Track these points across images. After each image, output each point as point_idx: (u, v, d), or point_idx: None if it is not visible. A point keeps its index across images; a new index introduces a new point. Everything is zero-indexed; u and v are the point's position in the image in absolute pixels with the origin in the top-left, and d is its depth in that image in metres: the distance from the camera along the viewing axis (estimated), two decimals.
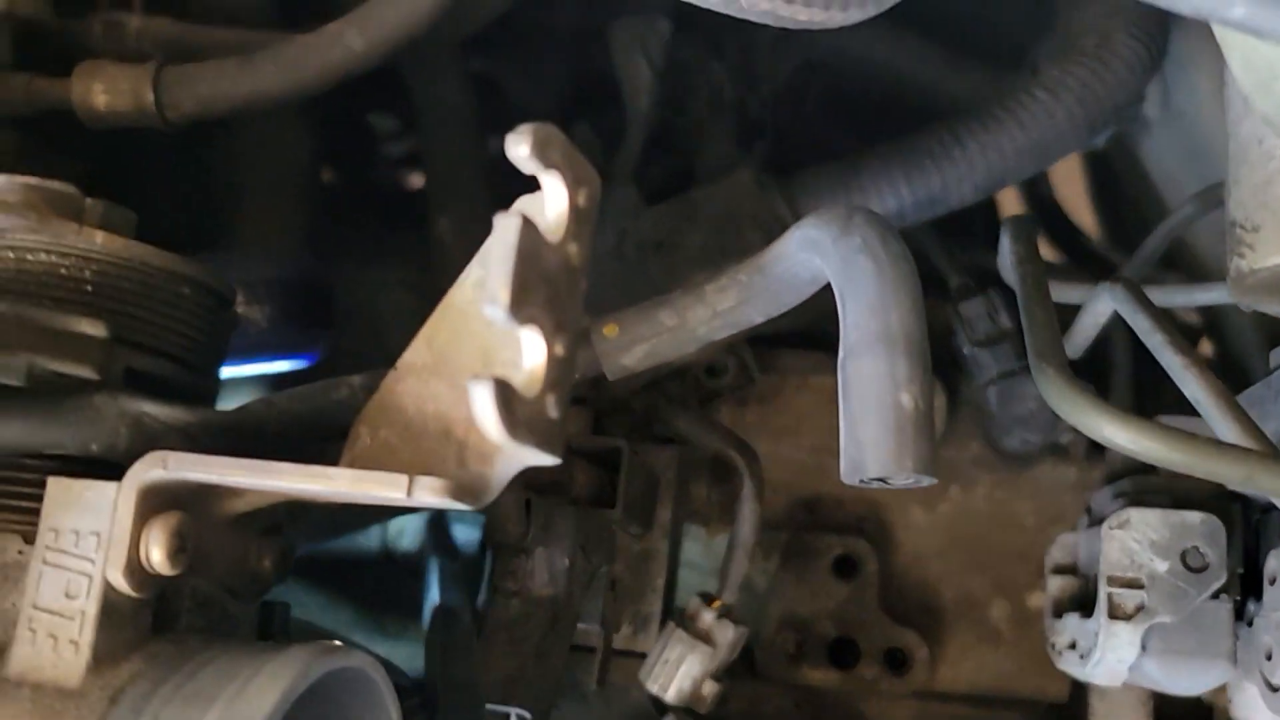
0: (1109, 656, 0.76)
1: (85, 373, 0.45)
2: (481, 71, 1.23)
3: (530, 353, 0.37)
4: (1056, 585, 0.88)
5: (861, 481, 0.51)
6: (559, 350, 0.39)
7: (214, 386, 0.55)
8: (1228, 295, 0.75)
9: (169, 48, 0.83)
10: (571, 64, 1.28)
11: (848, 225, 0.53)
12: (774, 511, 1.12)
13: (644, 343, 0.68)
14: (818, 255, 0.55)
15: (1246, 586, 0.75)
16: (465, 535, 0.96)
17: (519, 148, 0.38)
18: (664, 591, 0.97)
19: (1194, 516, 0.74)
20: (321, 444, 0.49)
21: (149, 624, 0.44)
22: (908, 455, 0.48)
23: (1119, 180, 1.27)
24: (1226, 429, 0.56)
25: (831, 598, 1.08)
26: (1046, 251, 1.42)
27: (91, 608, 0.41)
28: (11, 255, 0.46)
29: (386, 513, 0.75)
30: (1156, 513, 0.75)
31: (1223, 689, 0.84)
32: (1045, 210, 1.47)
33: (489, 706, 0.70)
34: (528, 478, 0.79)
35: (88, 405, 0.43)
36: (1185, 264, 1.05)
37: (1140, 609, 0.74)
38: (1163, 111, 1.05)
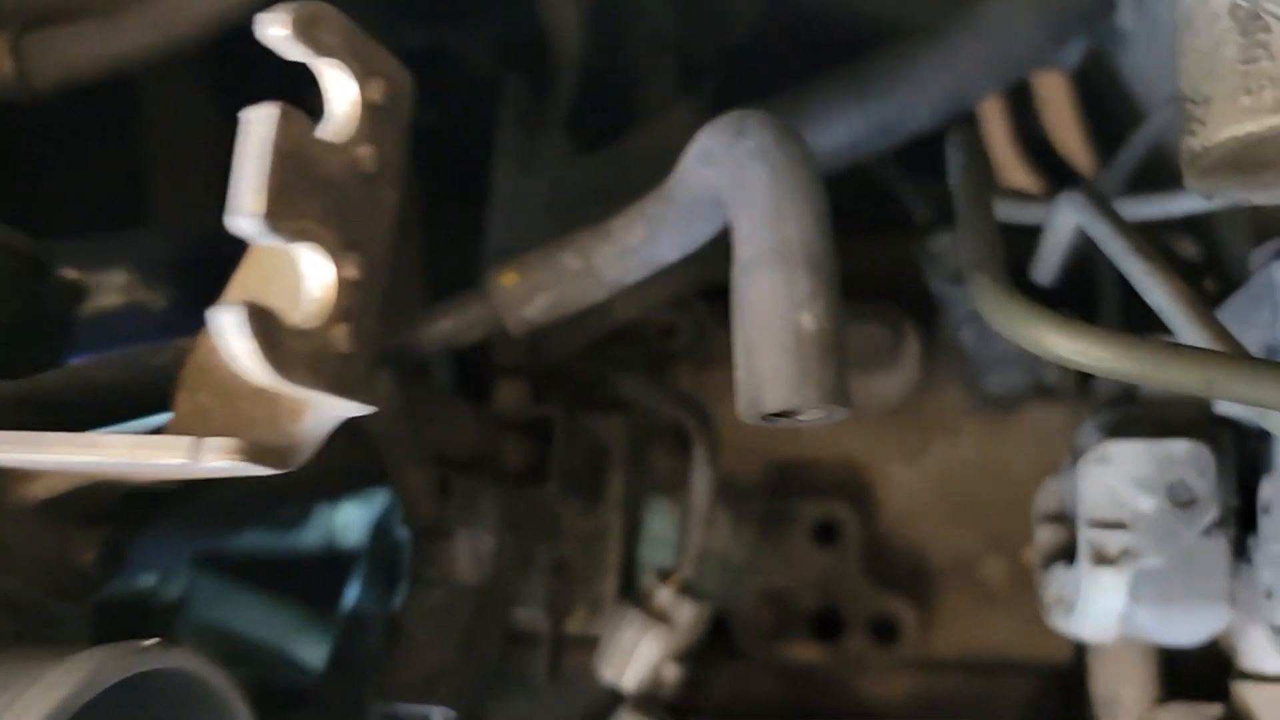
0: (1094, 607, 0.69)
1: None
2: (427, 43, 1.16)
3: (311, 274, 0.32)
4: (1045, 535, 0.82)
5: (764, 419, 0.45)
6: (351, 272, 0.33)
7: (17, 360, 0.50)
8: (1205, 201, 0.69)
9: (28, 14, 0.77)
10: (515, 22, 1.22)
11: (740, 129, 0.47)
12: (746, 478, 1.06)
13: (547, 291, 0.62)
14: (711, 168, 0.49)
15: (1243, 521, 0.68)
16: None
17: (273, 28, 0.32)
18: (620, 571, 0.91)
19: (1179, 445, 0.68)
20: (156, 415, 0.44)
21: None
22: (810, 384, 0.42)
23: (1105, 103, 1.20)
24: (1193, 334, 0.50)
25: (811, 567, 1.02)
26: (1035, 184, 1.36)
27: None
28: None
29: (271, 503, 0.70)
30: (1138, 444, 0.68)
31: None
32: (1033, 142, 1.40)
33: (407, 706, 0.65)
34: (447, 453, 0.74)
35: None
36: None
37: (1125, 552, 0.68)
38: (1139, 22, 0.97)
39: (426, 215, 1.00)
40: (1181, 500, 0.67)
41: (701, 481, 0.82)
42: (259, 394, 0.39)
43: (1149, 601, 0.68)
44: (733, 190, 0.46)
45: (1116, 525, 0.68)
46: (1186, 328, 0.51)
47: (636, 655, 0.81)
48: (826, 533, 1.03)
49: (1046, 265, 0.74)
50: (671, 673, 0.81)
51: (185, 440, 0.34)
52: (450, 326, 0.63)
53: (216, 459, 0.34)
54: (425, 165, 1.15)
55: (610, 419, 0.91)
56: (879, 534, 1.04)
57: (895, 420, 1.05)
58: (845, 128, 0.90)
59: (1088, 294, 1.01)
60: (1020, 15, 0.87)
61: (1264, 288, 0.60)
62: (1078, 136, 1.46)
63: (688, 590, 0.82)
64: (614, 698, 0.82)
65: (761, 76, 1.05)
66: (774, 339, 0.42)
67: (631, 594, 0.84)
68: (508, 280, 0.61)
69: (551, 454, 0.78)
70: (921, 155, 1.01)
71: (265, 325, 0.29)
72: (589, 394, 0.93)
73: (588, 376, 0.90)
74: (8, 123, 0.77)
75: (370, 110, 0.34)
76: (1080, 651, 0.96)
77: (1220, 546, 0.67)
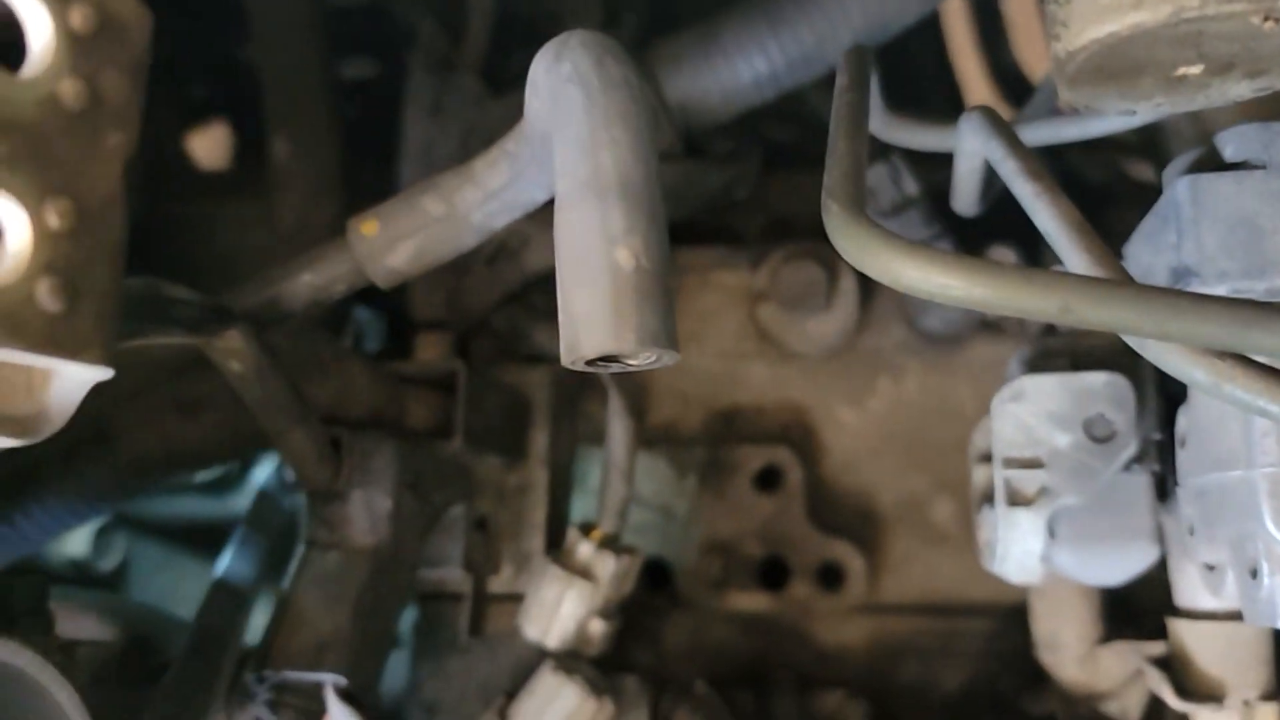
0: (1014, 549, 0.66)
1: None
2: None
3: (7, 226, 0.28)
4: (979, 476, 0.78)
5: (587, 365, 0.41)
6: (54, 222, 0.29)
7: None
8: (1095, 128, 0.64)
9: None
10: None
11: (560, 52, 0.43)
12: (688, 426, 1.03)
13: (410, 238, 0.58)
14: (537, 98, 0.45)
15: (1166, 456, 0.65)
16: None
17: None
18: (549, 526, 0.88)
19: (1097, 378, 0.64)
20: None
21: None
22: (628, 326, 0.38)
23: None
24: (1078, 260, 0.46)
25: (756, 514, 0.99)
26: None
27: None
28: None
29: (161, 472, 0.67)
30: (1053, 378, 0.64)
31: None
32: (1009, 80, 1.35)
33: (296, 674, 0.62)
34: (340, 412, 0.70)
35: None
36: None
37: (1042, 491, 0.64)
38: None
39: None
40: (1099, 435, 0.63)
41: (618, 431, 0.79)
42: (15, 365, 0.35)
43: (1070, 541, 0.65)
44: (551, 118, 0.42)
45: (1033, 464, 0.64)
46: (1072, 252, 0.47)
47: (560, 612, 0.78)
48: (769, 479, 1.00)
49: (961, 193, 0.70)
50: (597, 628, 0.79)
51: None
52: (312, 280, 0.59)
53: None
54: (362, 119, 1.12)
55: (533, 371, 0.88)
56: (824, 479, 1.01)
57: (837, 362, 1.01)
58: (764, 59, 0.86)
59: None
60: None
61: (1169, 207, 0.55)
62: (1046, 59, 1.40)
63: (609, 544, 0.79)
64: (541, 655, 0.79)
65: (684, 14, 1.00)
66: (589, 278, 0.39)
67: (550, 552, 0.80)
68: (369, 229, 0.58)
69: (456, 409, 0.74)
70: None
71: None
72: (512, 346, 0.89)
73: (508, 328, 0.87)
74: None
75: (73, 41, 0.30)
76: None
77: (1142, 483, 0.64)
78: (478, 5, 0.95)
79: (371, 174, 0.96)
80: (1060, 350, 0.67)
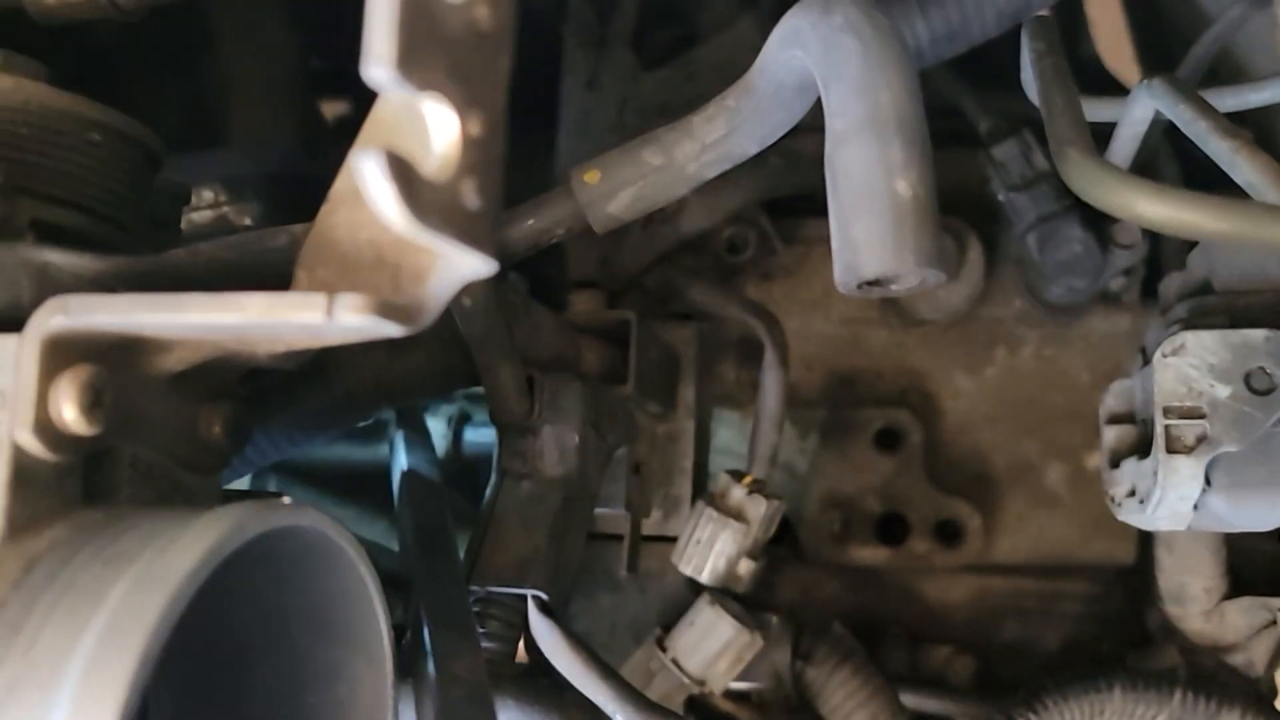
0: (1170, 495, 0.69)
1: None
2: None
3: (437, 127, 0.32)
4: (1113, 435, 0.81)
5: (860, 287, 0.45)
6: (474, 129, 0.33)
7: (140, 246, 0.51)
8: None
9: None
10: None
11: (827, 7, 0.46)
12: (810, 388, 1.06)
13: (630, 187, 0.62)
14: (799, 48, 0.48)
15: None
16: (476, 437, 0.91)
17: None
18: (694, 474, 0.91)
19: (1257, 334, 0.67)
20: None
21: (78, 492, 0.40)
22: (908, 248, 0.41)
23: (1158, 19, 1.16)
24: None
25: (876, 473, 1.02)
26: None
27: (1, 473, 0.37)
28: None
29: (371, 402, 0.71)
30: (1214, 334, 0.67)
31: None
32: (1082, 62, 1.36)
33: (503, 590, 0.66)
34: (531, 355, 0.74)
35: None
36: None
37: (1202, 439, 0.67)
38: None
39: None
40: (1260, 388, 0.66)
41: (772, 383, 0.82)
42: (380, 263, 0.39)
43: (1225, 488, 0.67)
44: (823, 65, 0.46)
45: (1194, 414, 0.67)
46: (1276, 194, 0.49)
47: (714, 550, 0.82)
48: (890, 439, 1.03)
49: (1120, 155, 0.73)
50: (745, 568, 0.82)
51: (321, 297, 0.35)
52: (536, 225, 0.63)
53: (350, 315, 0.35)
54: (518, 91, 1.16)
55: (682, 328, 0.91)
56: (942, 441, 1.04)
57: (957, 331, 1.04)
58: (910, 35, 0.88)
59: None
60: None
61: None
62: (1129, 55, 1.42)
63: (759, 490, 0.83)
64: (691, 592, 0.83)
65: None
66: (870, 206, 0.42)
67: (705, 495, 0.84)
68: (591, 178, 0.61)
69: (628, 357, 0.78)
70: (980, 71, 0.99)
71: (403, 171, 0.30)
72: (660, 305, 0.93)
73: (659, 287, 0.90)
74: (93, 43, 0.77)
75: None
76: (1144, 551, 0.96)
77: None
78: None
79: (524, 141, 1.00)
80: (1218, 308, 0.69)
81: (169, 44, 0.83)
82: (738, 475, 0.84)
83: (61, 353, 0.38)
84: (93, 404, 0.38)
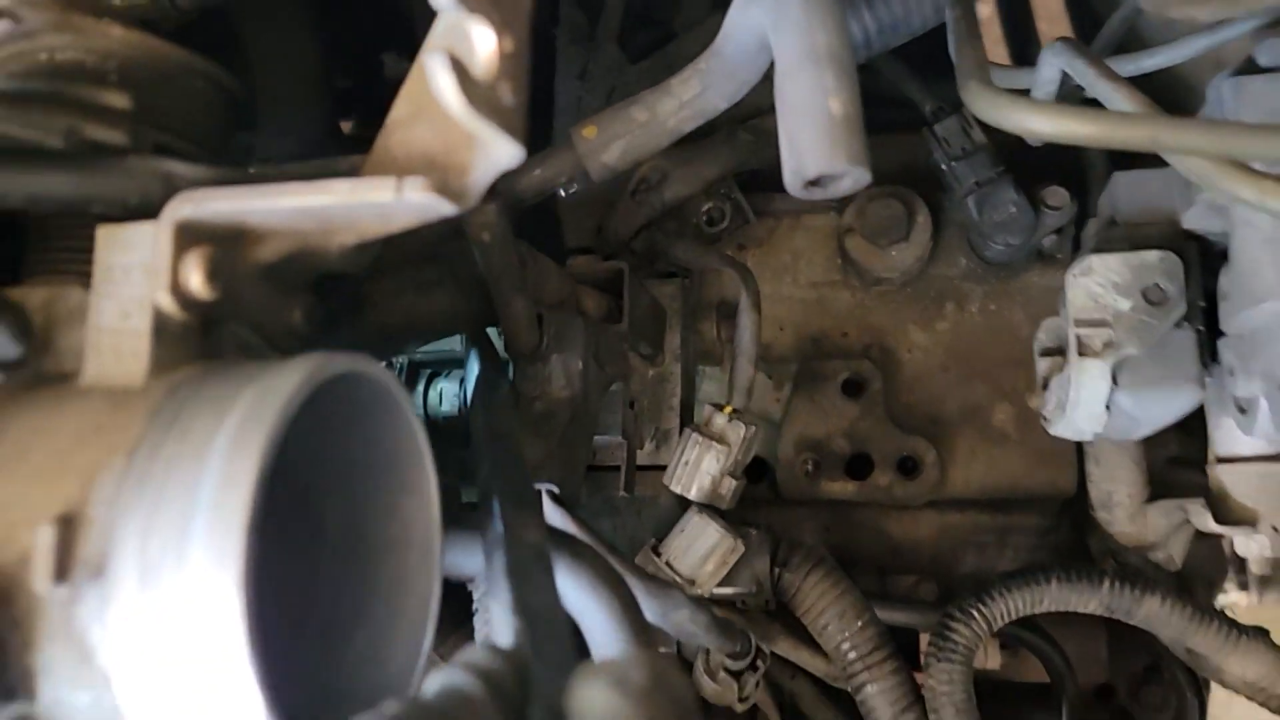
0: (1085, 395, 0.79)
1: (117, 139, 0.51)
2: None
3: (481, 41, 0.42)
4: (1044, 365, 0.91)
5: (805, 187, 0.55)
6: (508, 45, 0.43)
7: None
8: (1176, 55, 0.78)
9: None
10: None
11: None
12: (783, 346, 1.16)
13: (620, 139, 0.72)
14: (756, 7, 0.59)
15: (1209, 323, 0.78)
16: None
17: None
18: (681, 412, 1.02)
19: (1152, 255, 0.78)
20: None
21: (198, 347, 0.49)
22: (840, 152, 0.52)
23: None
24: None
25: (843, 417, 1.12)
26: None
27: (145, 325, 0.47)
28: (44, 55, 0.51)
29: (401, 337, 0.80)
30: (1117, 256, 0.78)
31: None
32: (1017, 29, 1.46)
33: None
34: (538, 297, 0.84)
35: (122, 164, 0.49)
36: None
37: (1108, 345, 0.77)
38: None
39: None
40: (1155, 300, 0.77)
41: (747, 323, 0.92)
42: (429, 168, 0.49)
43: (1129, 386, 0.78)
44: (774, 16, 0.56)
45: (1100, 324, 0.78)
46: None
47: (701, 470, 0.92)
48: (854, 388, 1.13)
49: None
50: (728, 486, 0.92)
51: (392, 179, 0.45)
52: (543, 174, 0.74)
53: (415, 193, 0.45)
54: None
55: (667, 284, 1.02)
56: (900, 388, 1.14)
57: (910, 289, 1.15)
58: (859, 27, 1.00)
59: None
60: None
61: (1214, 106, 0.69)
62: (1066, 28, 1.52)
63: (738, 416, 0.93)
64: (681, 509, 0.93)
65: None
66: (810, 122, 0.53)
67: (692, 425, 0.94)
68: (589, 132, 0.72)
69: (622, 302, 0.88)
70: (921, 59, 1.10)
71: (459, 69, 0.40)
72: (649, 266, 1.03)
73: (647, 250, 1.01)
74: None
75: None
76: (1082, 479, 1.06)
77: (1188, 337, 0.77)
78: None
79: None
80: (1120, 236, 0.80)
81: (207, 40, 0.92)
82: (719, 406, 0.94)
83: (188, 235, 0.48)
84: (211, 275, 0.48)
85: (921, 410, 1.14)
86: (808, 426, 1.13)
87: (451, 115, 0.42)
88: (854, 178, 0.53)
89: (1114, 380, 0.78)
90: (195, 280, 0.48)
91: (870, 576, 1.13)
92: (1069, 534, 1.15)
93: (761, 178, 1.13)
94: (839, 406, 1.13)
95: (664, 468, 0.96)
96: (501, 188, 0.72)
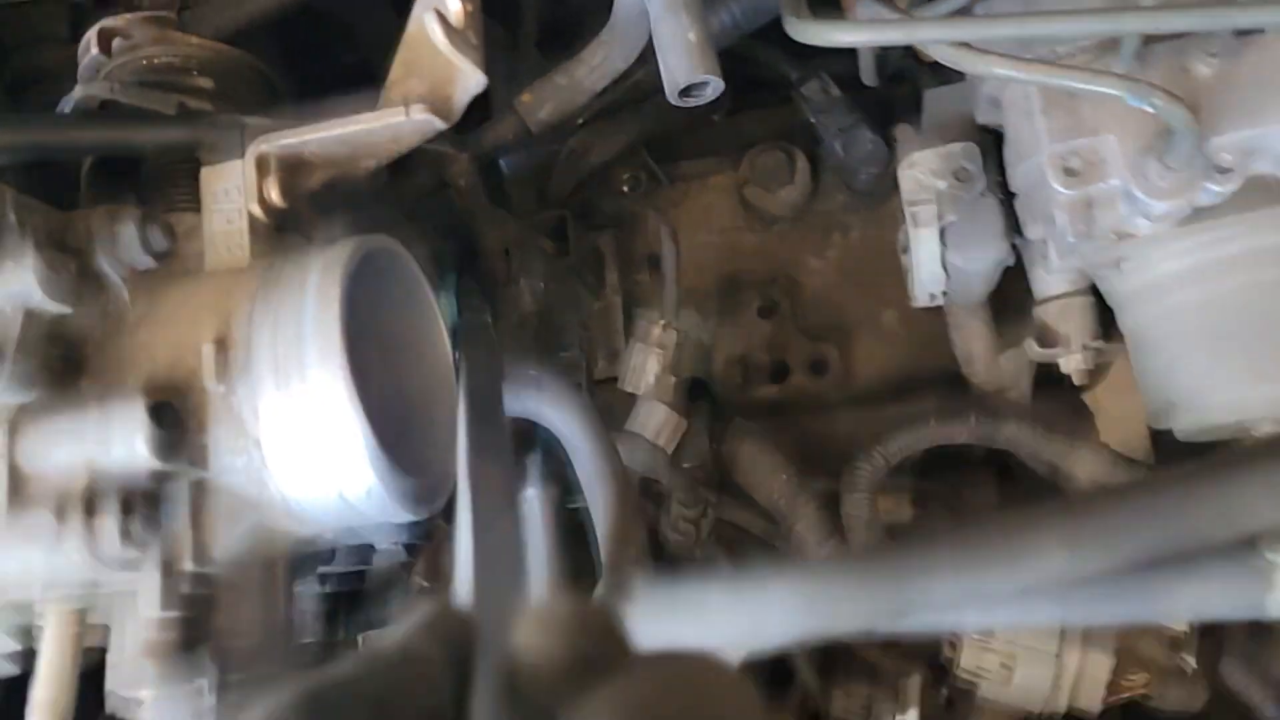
0: (923, 257, 1.05)
1: (206, 105, 0.74)
2: None
3: (453, 3, 0.66)
4: (904, 259, 1.17)
5: (680, 95, 0.79)
6: (470, 6, 0.67)
7: None
8: None
9: None
10: None
11: None
12: (705, 284, 1.40)
13: (550, 100, 0.97)
14: None
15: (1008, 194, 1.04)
16: None
17: None
18: (624, 333, 1.25)
19: (957, 146, 1.04)
20: None
21: (277, 243, 0.72)
22: (699, 66, 0.76)
23: None
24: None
25: (761, 334, 1.36)
26: None
27: (243, 226, 0.70)
28: (145, 60, 0.74)
29: None
30: (931, 150, 1.04)
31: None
32: None
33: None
34: (501, 237, 1.08)
35: (213, 119, 0.72)
36: None
37: (935, 215, 1.03)
38: None
39: None
40: (963, 178, 1.03)
41: (668, 252, 1.17)
42: (425, 96, 0.73)
43: (954, 245, 1.03)
44: None
45: (925, 201, 1.03)
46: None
47: (646, 371, 1.15)
48: (768, 310, 1.37)
49: (865, 69, 1.10)
50: (669, 380, 1.16)
51: (400, 108, 0.68)
52: (497, 131, 0.98)
53: (419, 114, 0.68)
54: None
55: (603, 234, 1.26)
56: (805, 306, 1.38)
57: (802, 224, 1.40)
58: (728, 13, 1.26)
59: None
60: None
61: None
62: None
63: (670, 325, 1.16)
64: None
65: None
66: (675, 48, 0.77)
67: (634, 337, 1.18)
68: (526, 98, 0.96)
69: (567, 243, 1.12)
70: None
71: (442, 18, 0.63)
72: (585, 220, 1.27)
73: (582, 205, 1.25)
74: None
75: None
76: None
77: (992, 202, 1.03)
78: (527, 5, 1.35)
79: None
80: (935, 139, 1.06)
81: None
82: (655, 320, 1.18)
83: (265, 165, 0.71)
84: (283, 191, 0.71)
85: (824, 321, 1.38)
86: (734, 346, 1.36)
87: (439, 50, 0.66)
88: (713, 85, 0.78)
89: (943, 243, 1.04)
90: (274, 193, 0.71)
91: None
92: (960, 402, 1.40)
93: (672, 148, 1.39)
94: (757, 326, 1.37)
95: (616, 379, 1.19)
96: (470, 144, 0.96)
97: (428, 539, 0.97)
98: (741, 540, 1.28)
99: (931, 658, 1.25)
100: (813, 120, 1.32)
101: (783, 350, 1.35)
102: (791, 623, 0.58)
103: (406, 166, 0.91)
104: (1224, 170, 0.87)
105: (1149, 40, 0.86)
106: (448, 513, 1.06)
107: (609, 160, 1.26)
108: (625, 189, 1.34)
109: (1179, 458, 0.89)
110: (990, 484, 1.39)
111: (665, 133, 1.38)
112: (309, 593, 0.88)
